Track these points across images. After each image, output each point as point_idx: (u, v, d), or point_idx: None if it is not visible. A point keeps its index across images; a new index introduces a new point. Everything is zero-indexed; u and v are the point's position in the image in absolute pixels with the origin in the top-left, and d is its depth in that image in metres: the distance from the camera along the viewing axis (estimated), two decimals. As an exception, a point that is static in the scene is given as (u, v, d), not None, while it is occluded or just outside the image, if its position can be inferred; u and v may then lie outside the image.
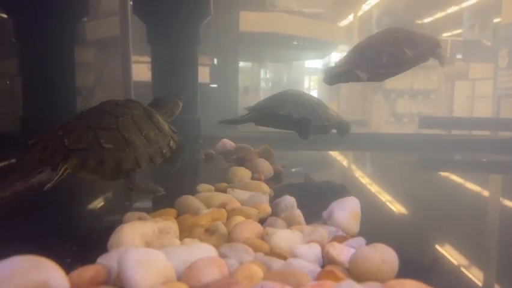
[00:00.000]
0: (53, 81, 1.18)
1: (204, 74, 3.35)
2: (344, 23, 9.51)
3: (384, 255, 0.43)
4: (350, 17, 9.30)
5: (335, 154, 1.55)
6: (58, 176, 0.63)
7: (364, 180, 1.13)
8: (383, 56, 1.12)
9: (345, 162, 1.47)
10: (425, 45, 1.16)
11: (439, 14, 9.19)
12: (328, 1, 4.92)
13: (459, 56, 7.88)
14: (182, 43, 1.35)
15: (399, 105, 5.92)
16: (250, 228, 0.53)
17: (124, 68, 1.45)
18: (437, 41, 1.19)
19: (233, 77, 3.43)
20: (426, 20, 9.20)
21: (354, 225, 0.58)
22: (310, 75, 8.42)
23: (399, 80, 5.97)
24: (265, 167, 0.95)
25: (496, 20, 6.40)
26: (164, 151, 0.75)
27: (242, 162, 1.04)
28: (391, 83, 5.98)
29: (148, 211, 0.61)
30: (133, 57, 1.80)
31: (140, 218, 0.56)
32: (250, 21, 3.48)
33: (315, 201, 0.80)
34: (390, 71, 1.15)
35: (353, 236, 0.55)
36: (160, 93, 1.43)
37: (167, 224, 0.52)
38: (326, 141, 1.60)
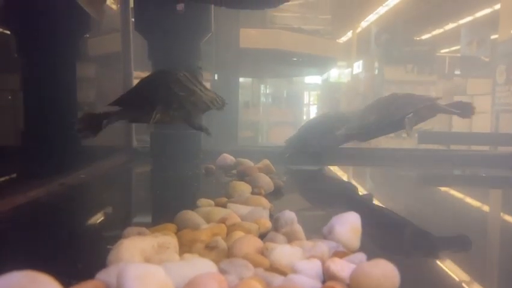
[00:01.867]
0: (54, 97, 1.19)
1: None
2: (343, 39, 9.63)
3: (385, 271, 0.43)
4: (349, 34, 9.42)
5: (335, 169, 1.55)
6: (153, 119, 0.81)
7: (364, 194, 1.13)
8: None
9: (345, 177, 1.47)
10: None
11: (437, 31, 9.31)
12: (327, 18, 4.98)
13: (457, 72, 7.96)
14: (182, 59, 1.36)
15: (399, 120, 5.93)
16: (250, 244, 0.53)
17: (126, 83, 1.46)
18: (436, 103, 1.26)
19: (233, 92, 3.44)
20: (425, 37, 9.32)
21: (355, 241, 0.57)
22: (309, 91, 8.48)
23: (398, 95, 5.99)
24: (265, 181, 0.95)
25: (493, 37, 6.48)
26: (215, 101, 0.95)
27: (242, 176, 1.04)
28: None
29: (148, 226, 0.61)
30: (135, 73, 1.82)
31: (139, 233, 0.56)
32: (250, 37, 3.51)
33: (315, 216, 0.80)
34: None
35: (353, 251, 0.55)
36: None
37: (167, 239, 0.51)
38: (326, 155, 1.60)
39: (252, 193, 0.90)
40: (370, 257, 0.47)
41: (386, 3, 7.59)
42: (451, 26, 8.62)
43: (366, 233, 0.59)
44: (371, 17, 8.39)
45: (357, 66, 8.41)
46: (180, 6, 1.24)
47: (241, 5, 1.14)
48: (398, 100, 1.28)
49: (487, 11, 7.44)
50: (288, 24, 4.04)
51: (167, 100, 0.86)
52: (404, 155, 1.74)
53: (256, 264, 0.49)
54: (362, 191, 1.22)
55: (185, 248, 0.54)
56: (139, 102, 0.89)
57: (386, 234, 0.74)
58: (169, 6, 1.26)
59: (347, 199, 1.05)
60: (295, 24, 4.18)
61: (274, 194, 0.95)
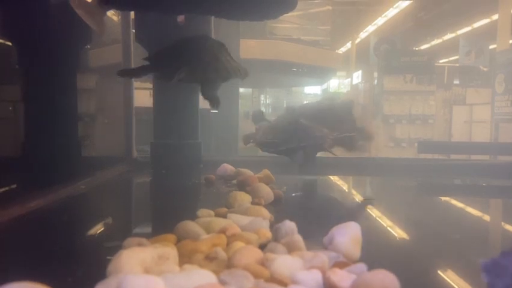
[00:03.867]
0: (54, 108, 1.20)
1: (204, 100, 3.39)
2: (342, 50, 9.69)
3: (385, 281, 0.42)
4: (348, 45, 9.48)
5: (335, 179, 1.55)
6: (176, 79, 0.92)
7: (365, 204, 1.12)
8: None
9: (345, 187, 1.47)
10: None
11: (436, 41, 9.38)
12: (326, 29, 5.02)
13: (456, 82, 8.00)
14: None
15: (398, 130, 5.95)
16: (250, 254, 0.53)
17: (126, 94, 1.47)
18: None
19: (233, 103, 3.46)
20: (423, 47, 9.38)
21: (355, 251, 0.57)
22: (309, 101, 8.51)
23: (397, 105, 6.02)
24: (266, 191, 0.95)
25: (491, 47, 6.53)
26: (238, 71, 1.03)
27: (242, 186, 1.04)
28: (389, 108, 6.03)
29: (148, 236, 0.61)
30: (136, 84, 1.83)
31: (139, 244, 0.56)
32: (250, 48, 3.55)
33: (316, 226, 0.79)
34: None
35: (354, 262, 0.54)
36: (160, 117, 1.45)
37: (167, 250, 0.51)
38: (326, 165, 1.60)
39: (252, 203, 0.90)
40: (371, 267, 0.47)
41: (385, 14, 7.67)
42: (449, 36, 8.69)
43: (367, 243, 0.59)
44: (370, 28, 8.46)
45: (356, 77, 8.46)
46: (181, 18, 1.26)
47: (240, 16, 1.14)
48: (297, 129, 1.30)
49: (485, 21, 7.51)
50: (288, 35, 4.07)
51: (192, 62, 0.98)
52: (404, 164, 1.74)
53: (256, 275, 0.48)
54: (362, 200, 1.22)
55: (185, 258, 0.54)
56: (167, 61, 1.02)
57: (387, 244, 0.73)
58: (169, 18, 1.27)
59: (347, 209, 1.04)
60: (295, 35, 4.21)
61: (275, 204, 0.95)
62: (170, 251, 0.52)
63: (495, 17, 6.13)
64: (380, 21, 7.99)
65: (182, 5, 0.99)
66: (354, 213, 0.99)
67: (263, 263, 0.51)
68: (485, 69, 7.45)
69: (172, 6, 0.98)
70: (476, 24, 7.80)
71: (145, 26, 1.32)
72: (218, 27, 3.31)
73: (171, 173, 1.37)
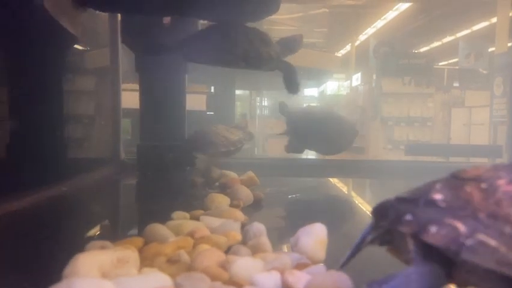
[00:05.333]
0: (39, 109, 1.19)
1: (201, 102, 3.40)
2: (341, 52, 9.68)
3: (337, 282, 0.42)
4: (348, 47, 9.47)
5: (325, 180, 1.54)
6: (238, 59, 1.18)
7: (352, 205, 1.12)
8: None
9: (335, 189, 1.46)
10: None
11: (435, 44, 9.37)
12: (323, 32, 5.02)
13: (456, 84, 7.98)
14: (169, 71, 1.37)
15: (396, 132, 5.94)
16: (212, 257, 0.52)
17: (114, 96, 1.47)
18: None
19: (230, 105, 3.47)
20: (423, 49, 9.37)
21: (320, 252, 0.57)
22: (306, 103, 8.51)
23: (396, 107, 6.01)
24: (245, 193, 0.94)
25: (490, 49, 6.51)
26: (276, 54, 1.20)
27: (224, 189, 1.04)
28: (388, 110, 6.02)
29: (118, 239, 0.61)
30: (129, 85, 1.83)
31: (102, 247, 0.56)
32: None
33: (290, 227, 0.79)
34: None
35: (318, 263, 0.54)
36: (148, 120, 1.45)
37: (127, 253, 0.51)
38: (320, 167, 1.60)
39: (231, 205, 0.90)
40: (334, 268, 0.47)
41: (384, 16, 7.66)
42: (448, 39, 8.68)
43: (334, 244, 0.59)
44: (370, 30, 8.45)
45: (356, 79, 8.45)
46: (166, 19, 1.25)
47: (223, 18, 1.14)
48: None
49: (484, 24, 7.49)
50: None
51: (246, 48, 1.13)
52: (403, 166, 1.74)
53: (214, 278, 0.48)
54: (348, 202, 1.21)
55: (147, 262, 0.54)
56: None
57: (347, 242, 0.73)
58: (155, 19, 1.27)
59: (327, 210, 1.04)
60: (291, 37, 4.20)
61: (254, 206, 0.95)
62: (130, 254, 0.51)
63: (494, 19, 6.12)
64: (380, 23, 7.98)
65: (162, 7, 0.99)
66: (334, 214, 0.99)
67: (224, 265, 0.51)
68: (484, 71, 7.43)
69: (152, 8, 0.98)
70: (476, 27, 7.79)
71: (130, 27, 1.32)
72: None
73: (157, 175, 1.36)
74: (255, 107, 4.75)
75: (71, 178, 1.17)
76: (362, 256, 0.68)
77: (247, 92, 4.92)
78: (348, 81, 8.89)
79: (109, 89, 1.47)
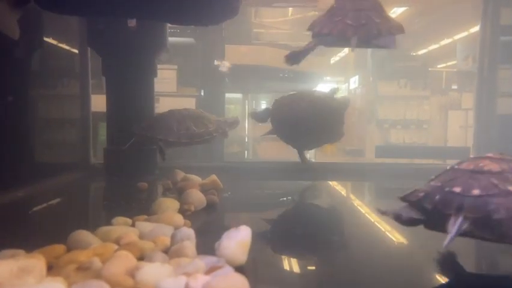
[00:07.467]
0: (14, 111, 1.18)
1: (190, 105, 3.39)
2: (340, 55, 9.66)
3: (233, 285, 0.43)
4: (346, 50, 9.46)
5: (307, 184, 1.52)
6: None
7: (315, 211, 1.10)
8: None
9: (310, 192, 1.43)
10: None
11: (433, 46, 9.32)
12: (315, 34, 5.00)
13: (454, 87, 7.93)
14: (136, 75, 1.36)
15: (393, 135, 5.90)
16: (122, 263, 0.51)
17: (82, 97, 1.46)
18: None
19: (219, 108, 3.46)
20: (421, 52, 9.33)
21: (240, 255, 0.56)
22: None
23: (392, 110, 5.98)
24: (197, 197, 0.93)
25: (487, 51, 6.46)
26: None
27: (180, 193, 1.02)
28: (384, 113, 5.99)
29: (40, 247, 0.59)
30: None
31: (12, 256, 0.54)
32: (235, 54, 3.55)
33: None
34: None
35: (238, 266, 0.54)
36: (114, 124, 1.43)
37: (31, 262, 0.49)
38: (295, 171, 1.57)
39: (180, 210, 0.88)
40: (250, 271, 0.46)
41: (381, 19, 7.64)
42: (446, 41, 8.64)
43: (259, 248, 0.57)
44: (367, 33, 8.42)
45: (354, 82, 8.42)
46: (131, 22, 1.24)
47: (185, 22, 1.12)
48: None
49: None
50: (274, 41, 4.06)
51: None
52: (397, 168, 1.72)
53: (117, 285, 0.47)
54: (317, 204, 1.19)
55: (59, 270, 0.52)
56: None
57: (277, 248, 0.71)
58: (120, 22, 1.26)
59: (278, 215, 1.01)
60: (282, 41, 4.19)
61: (206, 210, 0.93)
62: (35, 263, 0.49)
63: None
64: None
65: (116, 9, 0.97)
66: (283, 218, 0.97)
67: (132, 272, 0.49)
68: (482, 73, 7.38)
69: (103, 10, 0.96)
70: (473, 30, 7.76)
71: (96, 30, 1.31)
72: (202, 32, 3.31)
73: (123, 179, 1.34)
74: (245, 111, 4.72)
75: (32, 183, 1.16)
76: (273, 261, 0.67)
77: (236, 95, 4.90)
78: (346, 84, 8.87)
79: (79, 93, 1.46)
